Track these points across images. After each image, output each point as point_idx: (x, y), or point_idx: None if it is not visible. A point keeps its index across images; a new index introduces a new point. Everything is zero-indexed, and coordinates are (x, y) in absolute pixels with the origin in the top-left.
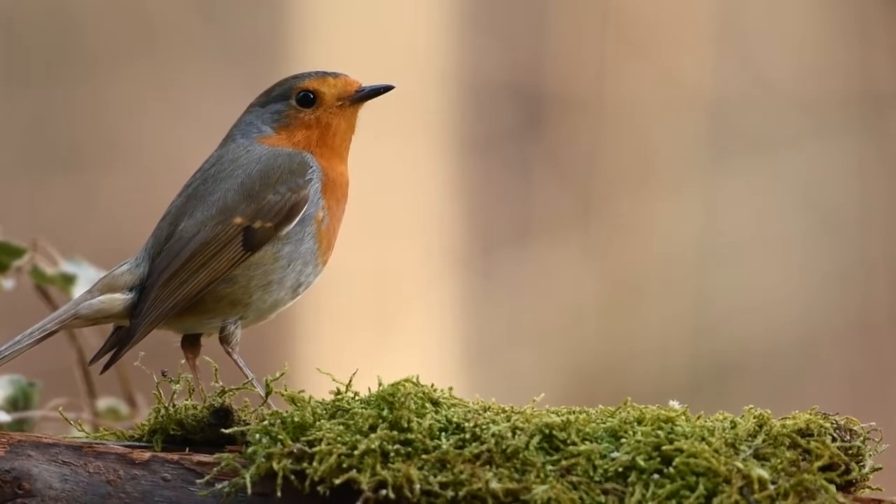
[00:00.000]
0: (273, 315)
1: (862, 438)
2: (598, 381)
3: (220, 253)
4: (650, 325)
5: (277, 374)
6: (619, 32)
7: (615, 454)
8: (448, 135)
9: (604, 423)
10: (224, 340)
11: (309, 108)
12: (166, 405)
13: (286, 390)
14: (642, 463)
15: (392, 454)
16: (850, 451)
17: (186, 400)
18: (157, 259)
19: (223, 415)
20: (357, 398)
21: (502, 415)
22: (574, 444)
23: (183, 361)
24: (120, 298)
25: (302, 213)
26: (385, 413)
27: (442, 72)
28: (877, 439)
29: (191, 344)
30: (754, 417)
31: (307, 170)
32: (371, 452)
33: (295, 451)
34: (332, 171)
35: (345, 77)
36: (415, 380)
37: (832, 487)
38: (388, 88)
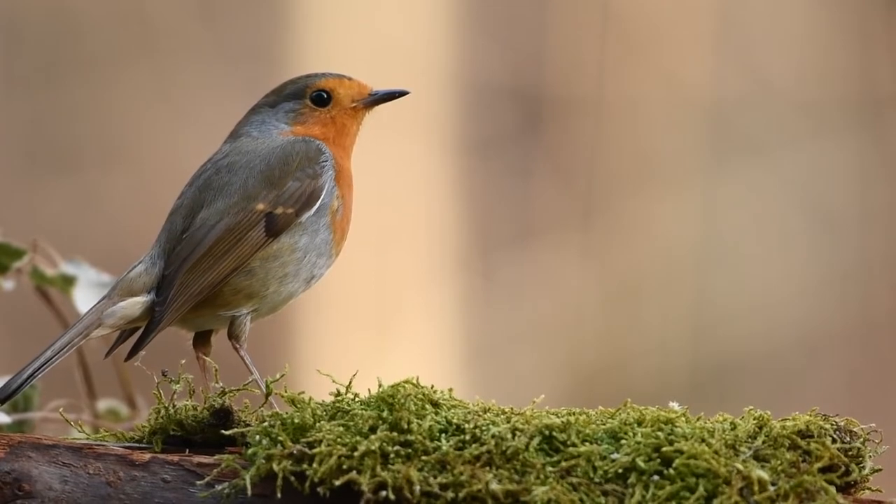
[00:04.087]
0: (284, 307)
1: (862, 440)
2: (599, 381)
3: (244, 239)
4: (650, 325)
5: (278, 376)
6: (619, 33)
7: (615, 455)
8: (448, 136)
9: (604, 424)
10: (233, 335)
11: (323, 107)
12: (166, 405)
13: (286, 391)
14: (642, 464)
15: (392, 455)
16: (851, 453)
17: (187, 400)
18: (177, 249)
19: (223, 415)
20: (357, 399)
21: (502, 416)
22: (574, 445)
23: (184, 361)
24: (141, 301)
25: (320, 200)
26: (385, 414)
27: (442, 73)
28: (877, 440)
29: (201, 343)
30: (754, 419)
31: (321, 156)
32: (371, 454)
33: (295, 452)
34: (342, 161)
35: (358, 80)
36: (415, 381)
37: (832, 489)
38: (402, 93)
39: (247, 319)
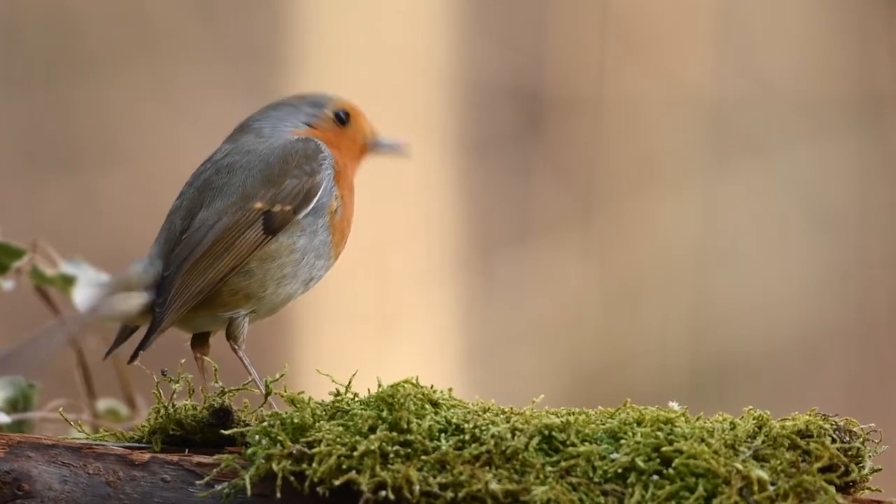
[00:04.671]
0: (283, 309)
1: (861, 439)
2: (599, 381)
3: (242, 238)
4: (650, 325)
5: (277, 376)
6: (619, 32)
7: (615, 455)
8: (448, 136)
9: (603, 424)
10: (231, 336)
11: (341, 126)
12: (166, 405)
13: (286, 391)
14: (642, 464)
15: (392, 455)
16: (850, 453)
17: (186, 400)
18: (176, 250)
19: (223, 415)
20: (357, 399)
21: (502, 416)
22: (573, 445)
23: (184, 361)
24: (138, 299)
25: (316, 198)
26: (385, 414)
27: (442, 73)
28: (876, 440)
29: (200, 343)
30: (754, 418)
31: (319, 154)
32: (370, 453)
33: (294, 452)
34: (343, 166)
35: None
36: (414, 381)
37: (832, 489)
38: (404, 152)
39: (245, 320)
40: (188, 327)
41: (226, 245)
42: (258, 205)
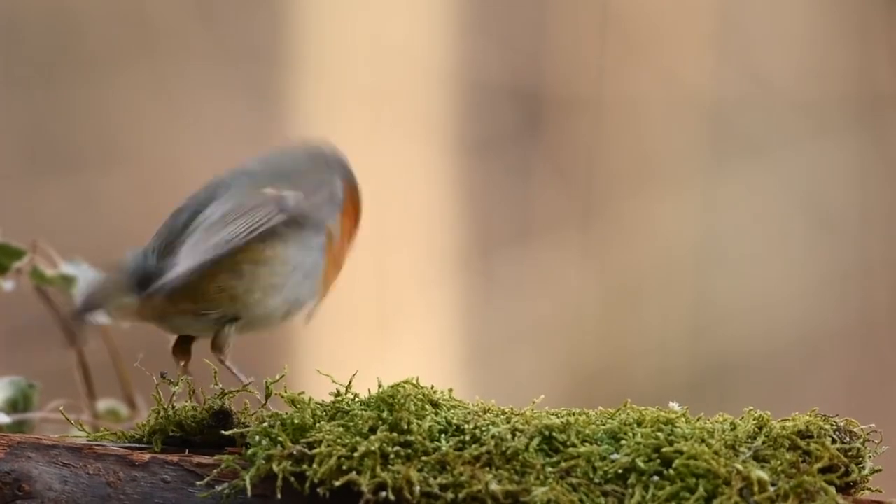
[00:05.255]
0: (259, 329)
1: (862, 440)
2: (599, 381)
3: (256, 209)
4: (650, 325)
5: (277, 376)
6: (619, 32)
7: (615, 456)
8: (448, 135)
9: (603, 424)
10: (216, 346)
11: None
12: (166, 407)
13: (286, 392)
14: (642, 465)
15: (392, 456)
16: (850, 453)
17: (186, 402)
18: (178, 239)
19: (223, 417)
20: (357, 400)
21: (502, 416)
22: (574, 445)
23: (182, 363)
24: (127, 292)
25: (334, 199)
26: (385, 415)
27: (441, 72)
28: (877, 441)
29: (182, 351)
30: (754, 419)
31: (342, 167)
32: (371, 454)
33: (295, 452)
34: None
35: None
36: (415, 381)
37: (832, 489)
38: None
39: (231, 331)
40: (168, 326)
41: (243, 211)
42: (274, 192)
